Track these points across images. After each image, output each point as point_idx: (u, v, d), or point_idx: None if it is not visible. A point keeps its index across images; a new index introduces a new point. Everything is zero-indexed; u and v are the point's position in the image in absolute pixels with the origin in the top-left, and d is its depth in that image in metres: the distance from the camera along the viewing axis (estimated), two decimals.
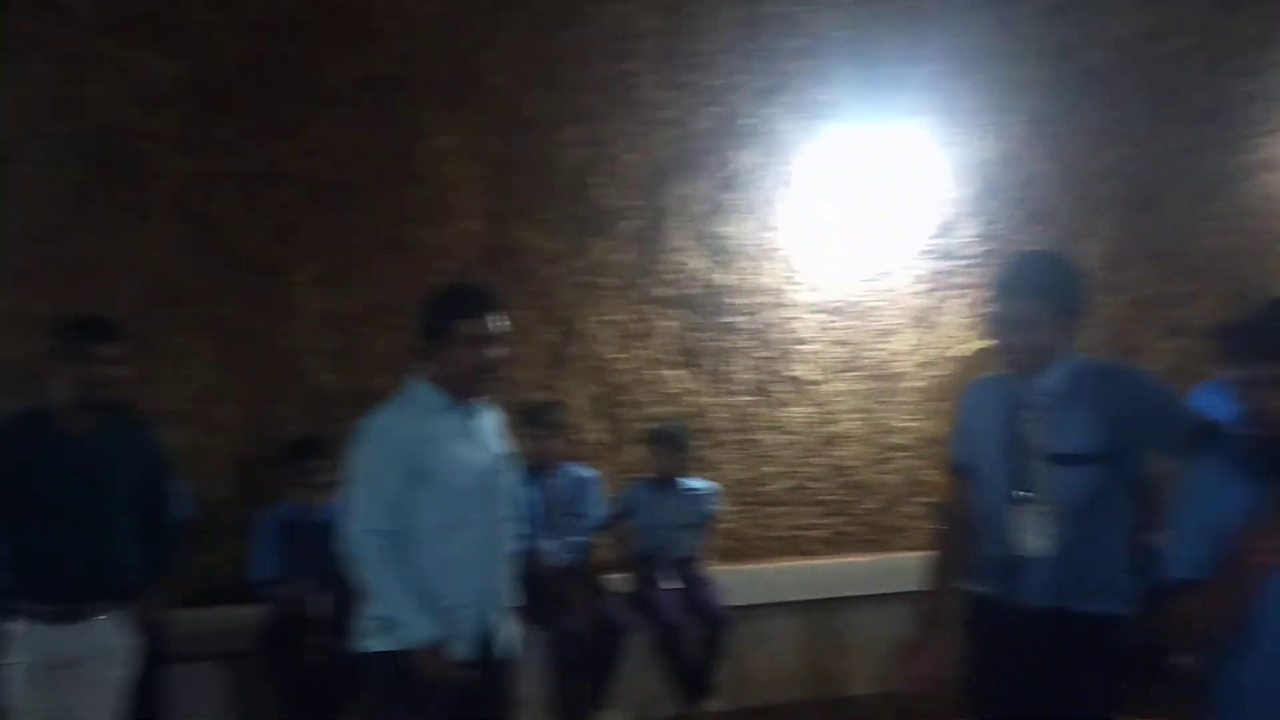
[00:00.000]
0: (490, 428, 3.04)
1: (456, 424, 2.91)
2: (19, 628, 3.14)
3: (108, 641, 3.24)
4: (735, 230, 5.42)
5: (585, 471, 4.85)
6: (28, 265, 4.45)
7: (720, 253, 5.41)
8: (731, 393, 5.45)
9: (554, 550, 4.57)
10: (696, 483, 4.99)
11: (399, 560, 2.80)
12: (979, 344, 4.52)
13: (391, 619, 2.79)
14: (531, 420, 4.60)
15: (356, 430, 2.88)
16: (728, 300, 5.43)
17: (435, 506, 2.82)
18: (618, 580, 4.86)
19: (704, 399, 5.41)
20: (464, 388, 2.90)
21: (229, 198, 4.71)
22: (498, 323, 2.91)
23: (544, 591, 4.24)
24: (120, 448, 3.27)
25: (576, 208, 5.20)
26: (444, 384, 2.90)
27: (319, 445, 4.41)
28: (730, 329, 5.44)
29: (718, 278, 5.41)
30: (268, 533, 4.36)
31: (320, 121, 4.81)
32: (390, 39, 4.92)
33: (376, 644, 2.83)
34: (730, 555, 5.29)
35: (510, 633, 3.00)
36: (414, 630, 2.78)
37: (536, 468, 4.53)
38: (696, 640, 4.70)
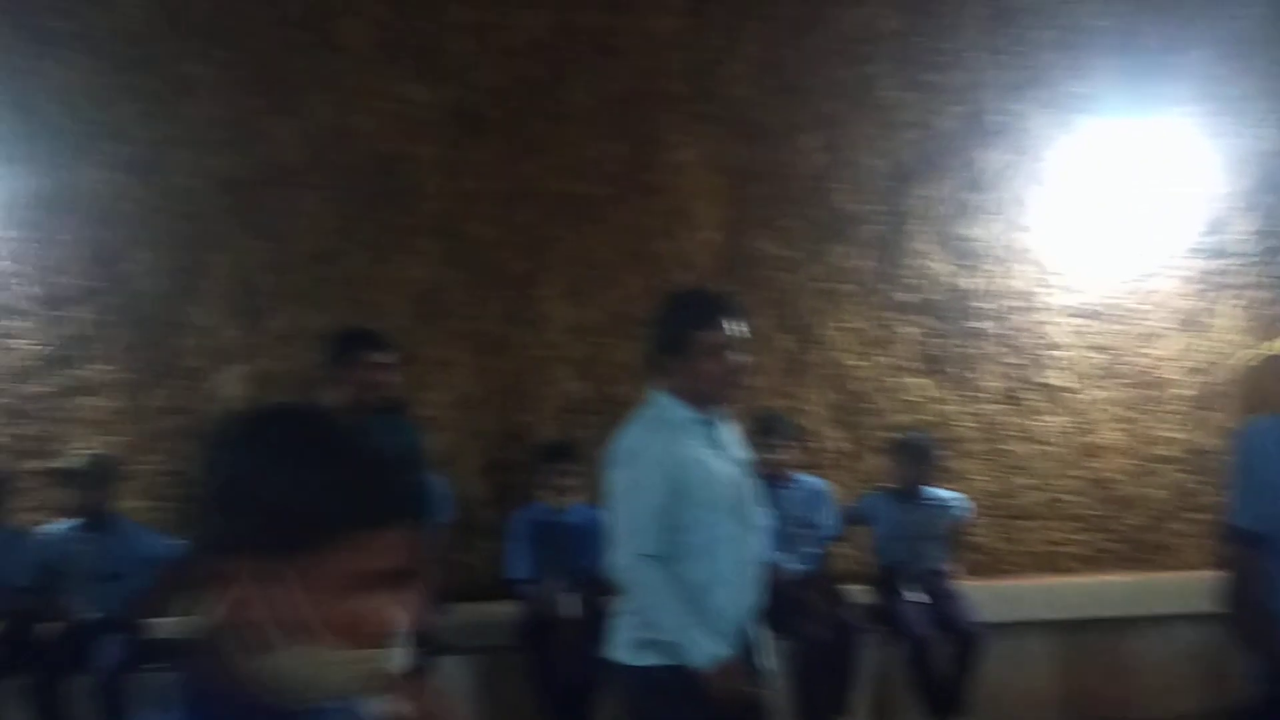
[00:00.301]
0: (732, 437, 2.95)
1: (704, 436, 2.82)
2: None
3: None
4: (982, 232, 5.24)
5: (817, 482, 4.80)
6: (307, 283, 4.86)
7: (966, 256, 5.24)
8: (978, 401, 5.26)
9: (789, 561, 4.54)
10: (942, 493, 4.84)
11: (673, 581, 2.72)
12: (1268, 348, 3.97)
13: (675, 642, 2.71)
14: (766, 430, 4.59)
15: (611, 452, 2.81)
16: (974, 305, 5.24)
17: (696, 522, 2.74)
18: (858, 590, 4.78)
19: (949, 407, 5.24)
20: (708, 398, 2.79)
21: (484, 216, 4.98)
22: (736, 328, 2.78)
23: (783, 600, 4.22)
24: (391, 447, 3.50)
25: (815, 214, 5.17)
26: (686, 396, 2.78)
27: (567, 450, 4.59)
28: (977, 334, 5.25)
29: (963, 281, 5.24)
30: (521, 533, 4.56)
31: (566, 140, 5.02)
32: (631, 56, 5.07)
33: (645, 659, 2.76)
34: (978, 570, 5.11)
35: (765, 642, 2.96)
36: (700, 650, 2.69)
37: (770, 478, 4.50)
38: (946, 656, 4.56)
